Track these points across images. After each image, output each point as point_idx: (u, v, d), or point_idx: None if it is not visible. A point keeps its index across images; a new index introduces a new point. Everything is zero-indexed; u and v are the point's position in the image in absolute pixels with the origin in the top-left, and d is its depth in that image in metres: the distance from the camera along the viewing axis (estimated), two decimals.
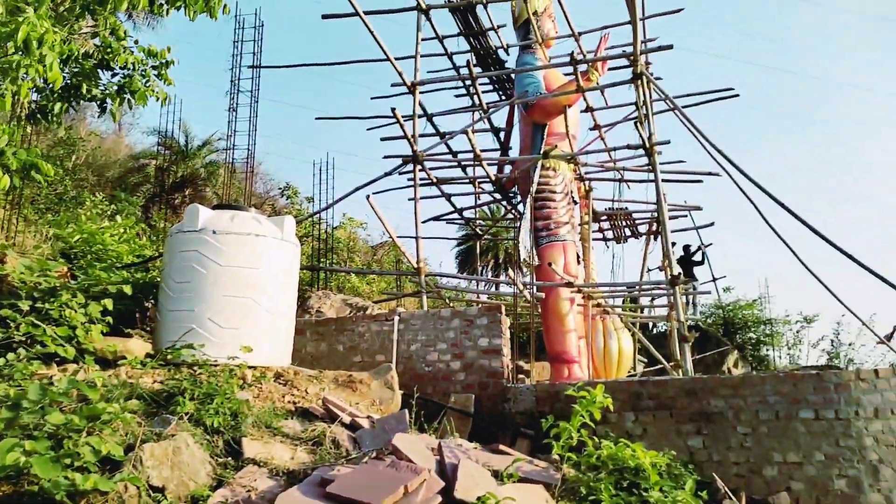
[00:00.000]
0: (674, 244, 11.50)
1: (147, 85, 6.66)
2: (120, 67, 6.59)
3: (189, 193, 21.85)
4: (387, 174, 10.98)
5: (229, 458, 4.39)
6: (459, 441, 5.28)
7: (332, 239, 19.58)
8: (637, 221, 13.39)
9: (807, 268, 10.55)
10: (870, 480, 6.26)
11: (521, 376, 7.82)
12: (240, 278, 6.11)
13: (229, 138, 12.60)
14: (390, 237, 10.90)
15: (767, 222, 10.43)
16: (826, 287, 10.64)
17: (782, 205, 9.64)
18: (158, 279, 6.91)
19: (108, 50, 6.64)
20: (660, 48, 10.49)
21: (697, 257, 14.44)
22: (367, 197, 9.44)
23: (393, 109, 10.34)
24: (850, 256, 9.16)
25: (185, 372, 5.34)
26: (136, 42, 6.94)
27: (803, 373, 6.65)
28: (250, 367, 5.94)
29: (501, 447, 5.02)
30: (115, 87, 6.72)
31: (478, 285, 15.08)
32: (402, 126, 10.54)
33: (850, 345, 17.73)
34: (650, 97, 12.04)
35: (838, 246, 9.27)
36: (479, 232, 14.77)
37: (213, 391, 4.75)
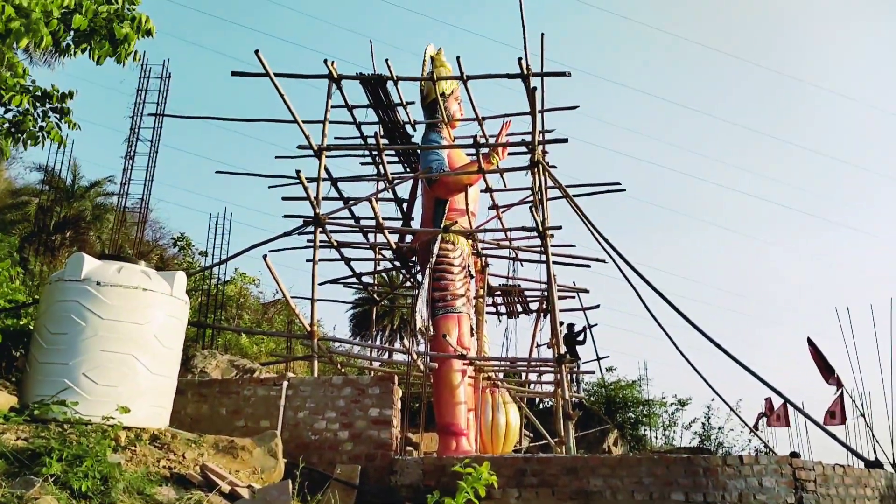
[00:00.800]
0: (562, 323, 11.95)
1: (42, 127, 6.39)
2: (15, 106, 6.31)
3: (70, 235, 20.64)
4: (287, 234, 10.89)
5: None
6: None
7: (222, 295, 18.96)
8: (528, 299, 13.84)
9: (681, 353, 11.17)
10: None
11: (409, 448, 7.77)
12: (122, 333, 5.84)
13: (124, 186, 12.11)
14: (284, 298, 10.71)
15: (646, 306, 11.04)
16: (698, 372, 11.26)
17: (658, 292, 10.30)
18: (31, 327, 6.47)
19: (3, 85, 6.35)
20: (556, 140, 11.19)
21: (581, 337, 15.01)
22: (265, 256, 9.31)
23: (297, 171, 10.37)
24: (715, 343, 9.81)
25: (54, 430, 4.99)
26: (33, 81, 6.69)
27: (675, 456, 7.01)
28: (125, 428, 5.61)
29: None
30: (7, 125, 6.40)
31: (371, 352, 14.97)
32: (305, 188, 10.56)
33: (719, 428, 18.77)
34: (545, 184, 12.77)
35: (706, 333, 9.94)
36: (377, 297, 14.78)
37: (84, 453, 4.45)
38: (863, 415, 9.89)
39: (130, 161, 11.10)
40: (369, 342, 15.65)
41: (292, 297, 12.60)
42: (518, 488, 6.84)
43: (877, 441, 9.67)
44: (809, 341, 10.12)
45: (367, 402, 7.31)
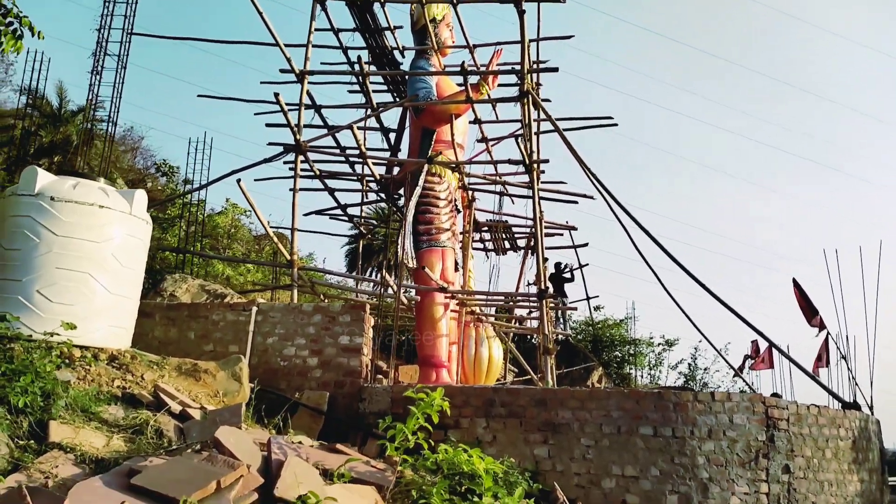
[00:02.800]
0: (546, 260, 11.76)
1: None
2: None
3: (57, 161, 20.30)
4: (267, 160, 10.61)
5: (31, 442, 4.00)
6: (299, 438, 5.09)
7: (207, 223, 18.72)
8: (516, 235, 13.63)
9: (669, 294, 11.06)
10: (699, 497, 6.58)
11: (379, 377, 7.72)
12: (78, 251, 5.65)
13: (90, 103, 11.69)
14: (263, 226, 10.51)
15: (635, 245, 10.87)
16: (685, 314, 11.17)
17: (645, 230, 10.09)
18: None
19: None
20: (546, 69, 10.78)
21: (568, 275, 14.88)
22: (238, 181, 9.06)
23: (276, 94, 10.01)
24: (700, 284, 9.67)
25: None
26: None
27: (645, 391, 6.93)
28: (81, 347, 5.49)
29: (339, 447, 4.87)
30: None
31: (357, 284, 14.85)
32: (285, 113, 10.23)
33: (705, 369, 18.89)
34: (539, 116, 12.39)
35: (692, 273, 9.79)
36: (363, 231, 14.57)
37: (24, 368, 4.32)
38: (844, 357, 9.82)
39: (97, 77, 10.68)
40: (352, 275, 15.53)
41: (278, 228, 12.44)
42: (486, 418, 6.78)
43: (857, 384, 9.63)
44: (795, 283, 9.97)
45: (337, 330, 7.18)
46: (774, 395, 11.02)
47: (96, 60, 10.62)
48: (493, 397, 6.86)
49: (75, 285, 5.63)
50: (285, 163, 11.34)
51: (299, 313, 7.25)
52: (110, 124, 11.09)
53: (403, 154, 12.71)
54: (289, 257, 9.99)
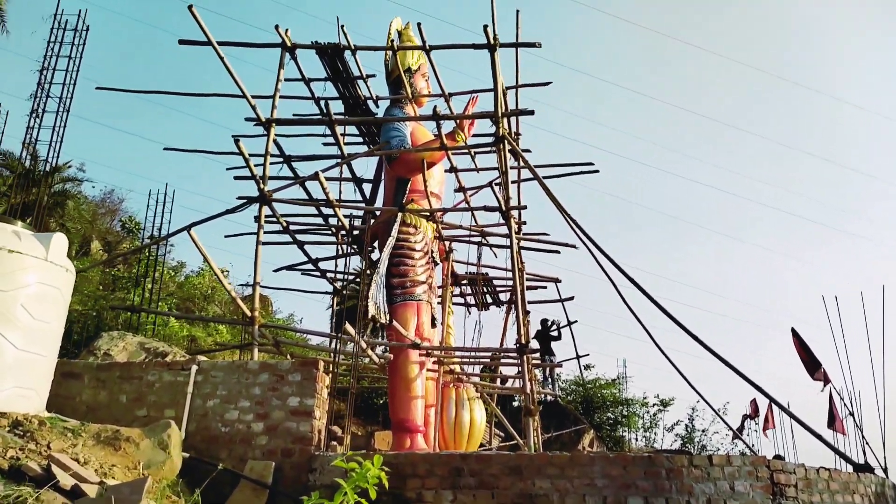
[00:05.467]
0: (528, 314, 11.07)
1: None
2: None
3: (30, 222, 19.70)
4: (229, 211, 10.00)
5: None
6: None
7: (161, 277, 17.93)
8: (499, 289, 12.97)
9: (661, 351, 10.32)
10: None
11: (333, 443, 6.90)
12: None
13: (28, 147, 11.12)
14: (218, 278, 9.81)
15: (622, 296, 10.21)
16: (679, 372, 10.43)
17: (632, 280, 9.43)
18: None
19: None
20: (522, 112, 10.33)
21: (555, 332, 14.13)
22: (188, 229, 8.40)
23: (236, 141, 9.48)
24: (697, 339, 8.96)
25: None
26: None
27: (634, 455, 6.13)
28: None
29: None
30: None
31: (331, 342, 13.98)
32: (247, 161, 9.68)
33: (703, 431, 17.92)
34: (519, 163, 11.92)
35: (685, 327, 9.10)
36: (338, 288, 13.85)
37: None
38: (851, 414, 9.02)
39: (37, 120, 10.11)
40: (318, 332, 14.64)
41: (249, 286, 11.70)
42: (453, 490, 5.94)
43: (867, 443, 8.81)
44: (794, 332, 9.26)
45: (286, 390, 6.40)
46: (777, 457, 10.18)
47: (36, 102, 10.10)
48: (460, 465, 6.03)
49: None
50: (257, 218, 10.74)
51: (244, 372, 6.48)
52: (48, 168, 10.40)
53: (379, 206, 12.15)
54: (248, 314, 9.25)
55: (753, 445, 13.04)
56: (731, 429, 13.74)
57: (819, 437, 7.93)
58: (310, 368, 6.46)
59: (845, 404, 9.45)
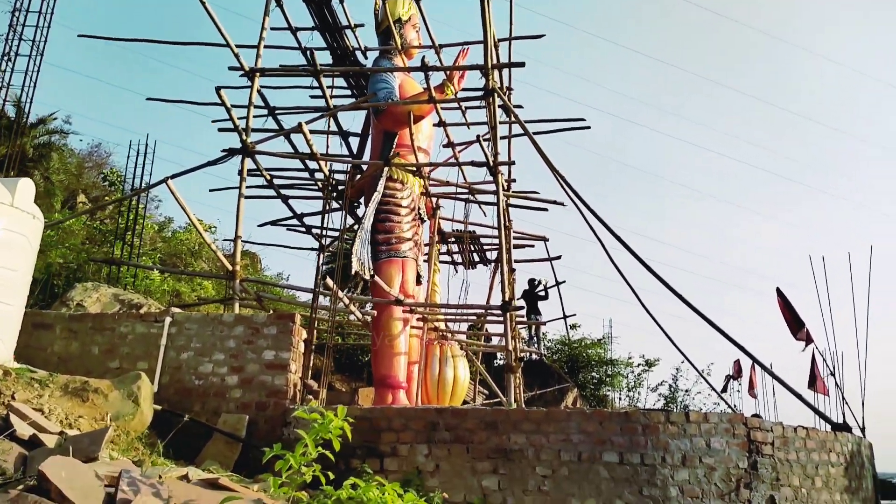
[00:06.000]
0: (514, 272, 10.97)
1: None
2: None
3: (13, 175, 19.40)
4: (211, 163, 9.77)
5: None
6: (185, 471, 4.20)
7: (171, 240, 17.79)
8: (486, 247, 12.84)
9: (647, 310, 10.29)
10: None
11: (309, 397, 6.86)
12: None
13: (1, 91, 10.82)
14: (197, 229, 9.65)
15: (609, 256, 10.14)
16: (664, 331, 10.41)
17: (620, 239, 9.33)
18: None
19: None
20: (513, 64, 10.07)
21: (542, 292, 14.07)
22: (167, 181, 8.22)
23: (218, 90, 9.23)
24: (681, 297, 8.91)
25: None
26: None
27: (610, 412, 6.10)
28: None
29: (221, 481, 4.00)
30: None
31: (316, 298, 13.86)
32: (229, 111, 9.45)
33: (686, 391, 18.05)
34: (510, 119, 11.67)
35: (672, 287, 9.03)
36: (323, 244, 13.70)
37: None
38: (833, 374, 9.03)
39: (9, 63, 9.77)
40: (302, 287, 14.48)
41: (245, 243, 11.54)
42: (428, 444, 5.91)
43: (847, 403, 8.84)
44: (779, 292, 9.20)
45: (261, 344, 6.32)
46: (755, 415, 10.22)
47: (7, 45, 9.75)
48: (436, 420, 5.99)
49: None
50: (242, 171, 10.50)
51: (218, 324, 6.38)
52: (21, 112, 10.09)
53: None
54: (230, 268, 9.14)
55: (736, 406, 13.12)
56: (713, 388, 13.82)
57: (799, 396, 7.94)
58: (286, 322, 6.37)
59: (827, 365, 9.46)
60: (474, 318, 12.40)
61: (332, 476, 3.90)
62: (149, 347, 6.33)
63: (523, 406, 10.60)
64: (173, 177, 9.21)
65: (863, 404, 8.45)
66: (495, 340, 14.03)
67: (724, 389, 14.55)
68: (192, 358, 6.30)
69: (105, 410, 5.22)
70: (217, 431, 5.94)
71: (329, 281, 8.07)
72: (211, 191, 11.90)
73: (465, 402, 12.00)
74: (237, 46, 10.21)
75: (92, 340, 6.41)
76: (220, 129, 11.65)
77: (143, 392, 5.50)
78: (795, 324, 9.09)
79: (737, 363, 14.28)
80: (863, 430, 8.22)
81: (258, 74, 10.20)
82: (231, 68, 10.54)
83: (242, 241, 9.48)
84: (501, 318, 9.75)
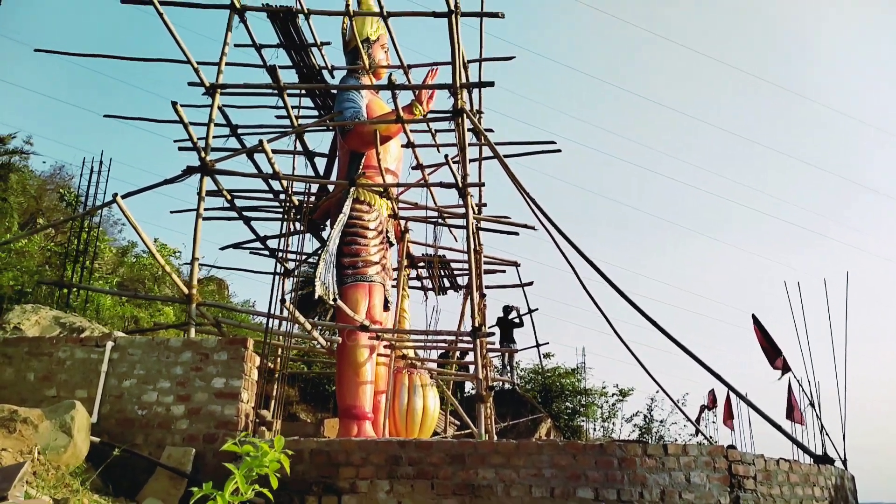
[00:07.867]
0: (484, 297, 10.64)
1: None
2: None
3: None
4: (167, 182, 9.33)
5: None
6: None
7: (94, 250, 17.05)
8: (457, 272, 12.50)
9: (621, 339, 10.00)
10: None
11: (262, 428, 6.40)
12: None
13: None
14: (148, 248, 9.18)
15: (581, 282, 9.89)
16: (637, 360, 10.11)
17: (592, 264, 9.08)
18: None
19: None
20: (482, 84, 9.86)
21: (516, 319, 13.75)
22: (116, 197, 7.77)
23: (174, 105, 8.83)
24: (654, 324, 8.66)
25: None
26: None
27: (584, 444, 5.74)
28: None
29: None
30: None
31: (280, 324, 13.39)
32: (186, 128, 9.06)
33: (661, 422, 17.76)
34: (480, 141, 11.43)
35: (644, 312, 8.78)
36: (287, 269, 13.24)
37: None
38: (812, 404, 8.79)
39: None
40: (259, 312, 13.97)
41: (210, 268, 11.07)
42: (390, 480, 5.48)
43: (827, 434, 8.59)
44: (754, 319, 8.99)
45: (211, 371, 5.86)
46: (731, 447, 9.93)
47: None
48: (398, 453, 5.57)
49: None
50: (203, 193, 10.08)
51: (164, 349, 5.91)
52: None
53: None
54: (186, 291, 8.65)
55: (711, 437, 12.84)
56: (688, 418, 13.54)
57: (778, 427, 7.66)
58: (237, 347, 5.93)
59: (805, 395, 9.23)
60: (445, 345, 12.01)
61: None
62: (88, 374, 5.83)
63: (495, 437, 10.20)
64: (125, 196, 8.77)
65: (843, 435, 8.21)
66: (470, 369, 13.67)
67: (699, 420, 14.29)
68: (136, 386, 5.82)
69: (34, 442, 4.72)
70: (160, 466, 5.45)
71: (288, 303, 7.63)
72: (172, 212, 11.49)
73: (435, 434, 11.56)
74: (198, 63, 9.87)
75: (28, 366, 5.90)
76: (181, 149, 11.27)
77: (77, 422, 5.02)
78: (772, 351, 8.87)
79: (711, 393, 14.06)
80: (844, 462, 7.97)
81: (219, 91, 9.83)
82: (191, 84, 10.14)
83: (207, 266, 9.11)
84: (472, 346, 9.41)
